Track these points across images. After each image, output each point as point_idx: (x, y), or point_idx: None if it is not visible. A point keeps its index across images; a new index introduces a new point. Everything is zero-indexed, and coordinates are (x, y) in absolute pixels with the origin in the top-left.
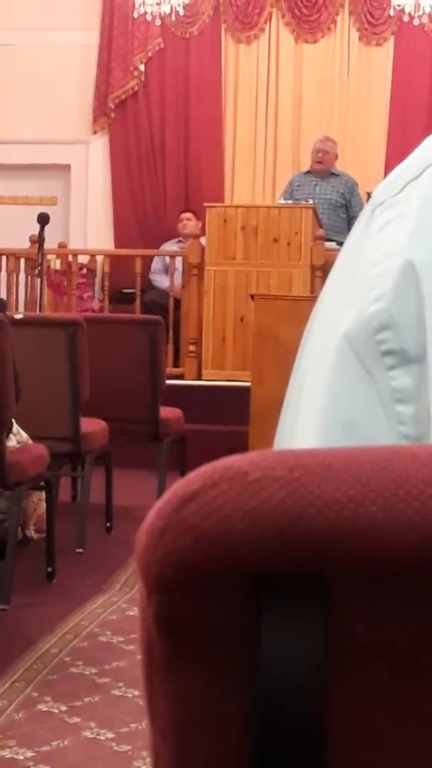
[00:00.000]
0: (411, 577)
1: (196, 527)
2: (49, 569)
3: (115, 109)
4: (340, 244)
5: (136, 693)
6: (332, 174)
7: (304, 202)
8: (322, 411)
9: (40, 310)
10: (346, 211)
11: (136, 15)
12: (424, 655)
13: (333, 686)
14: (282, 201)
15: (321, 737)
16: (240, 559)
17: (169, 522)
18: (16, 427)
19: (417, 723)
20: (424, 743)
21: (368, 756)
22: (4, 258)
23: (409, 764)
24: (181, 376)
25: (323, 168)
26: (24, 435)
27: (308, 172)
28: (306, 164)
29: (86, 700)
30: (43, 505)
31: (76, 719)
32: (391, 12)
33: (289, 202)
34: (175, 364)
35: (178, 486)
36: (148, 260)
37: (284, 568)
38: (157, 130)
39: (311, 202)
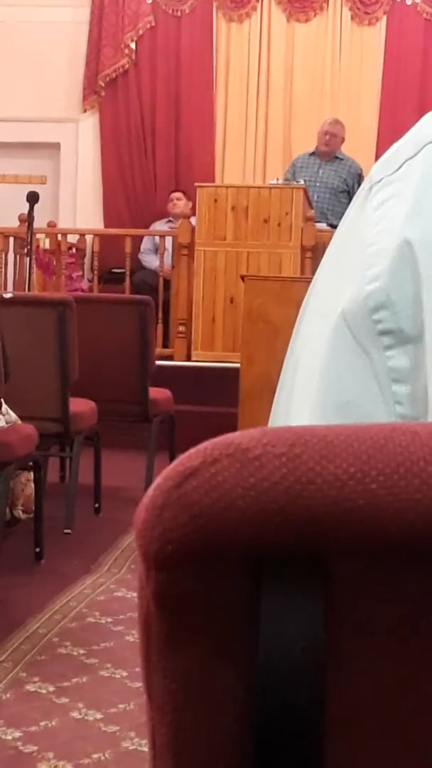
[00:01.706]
0: (411, 556)
1: (196, 504)
2: (37, 550)
3: (106, 88)
4: (336, 227)
5: (125, 674)
6: (336, 158)
7: (294, 183)
8: (318, 391)
9: (28, 290)
10: (348, 196)
11: None
12: (423, 634)
13: (331, 664)
14: (279, 181)
15: (320, 715)
16: (240, 536)
17: (168, 498)
18: (4, 407)
19: (415, 701)
20: (423, 721)
21: (367, 734)
22: None
23: (408, 742)
24: (170, 357)
25: (329, 151)
26: (13, 415)
27: (312, 153)
28: (297, 144)
29: (74, 680)
30: (31, 485)
31: (64, 700)
32: None
33: (280, 182)
34: (165, 345)
35: (179, 462)
36: (137, 240)
37: (284, 545)
38: (148, 109)
39: (304, 182)
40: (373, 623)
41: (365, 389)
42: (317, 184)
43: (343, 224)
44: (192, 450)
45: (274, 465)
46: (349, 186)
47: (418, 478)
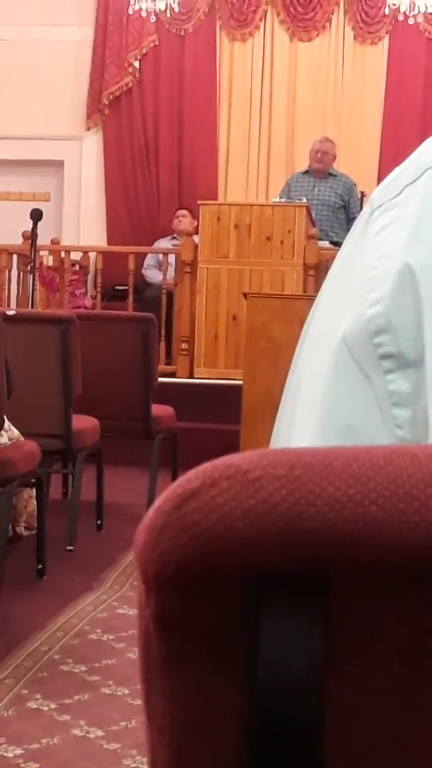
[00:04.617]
0: (410, 577)
1: (195, 525)
2: (40, 566)
3: (109, 106)
4: (338, 244)
5: (126, 691)
6: (330, 174)
7: (297, 201)
8: (319, 414)
9: (32, 307)
10: (345, 212)
11: (131, 11)
12: (421, 655)
13: (332, 684)
14: (282, 200)
15: (319, 735)
16: (239, 558)
17: (168, 520)
18: (7, 423)
19: (414, 720)
20: (420, 741)
21: (368, 752)
22: None
23: (405, 761)
24: (173, 374)
25: (322, 168)
26: (15, 432)
27: (306, 172)
28: (300, 163)
29: (76, 698)
30: (34, 502)
31: (66, 717)
32: (386, 11)
33: (282, 200)
34: (167, 362)
35: (178, 484)
36: (140, 257)
37: (283, 567)
38: (151, 127)
39: (305, 201)
40: (373, 643)
41: (366, 413)
42: (314, 202)
43: (345, 248)
44: (192, 472)
45: (273, 487)
46: (345, 201)
47: (417, 500)
